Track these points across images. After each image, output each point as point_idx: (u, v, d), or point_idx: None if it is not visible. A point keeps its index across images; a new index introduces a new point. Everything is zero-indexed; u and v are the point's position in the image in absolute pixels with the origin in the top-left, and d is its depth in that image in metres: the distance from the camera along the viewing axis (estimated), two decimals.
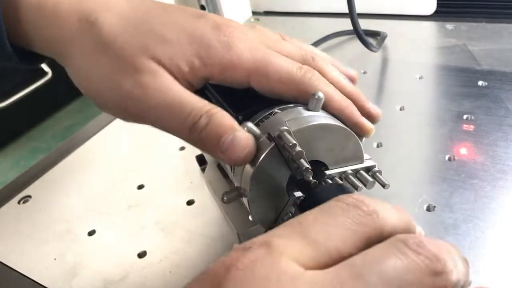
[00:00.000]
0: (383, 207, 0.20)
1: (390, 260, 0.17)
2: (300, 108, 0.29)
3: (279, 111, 0.29)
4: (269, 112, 0.29)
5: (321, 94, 0.29)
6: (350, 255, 0.18)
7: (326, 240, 0.19)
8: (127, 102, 0.29)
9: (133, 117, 0.30)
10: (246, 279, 0.17)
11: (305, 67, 0.31)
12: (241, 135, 0.27)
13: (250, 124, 0.28)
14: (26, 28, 0.30)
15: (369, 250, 0.18)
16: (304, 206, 0.27)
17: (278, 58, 0.30)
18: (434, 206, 0.36)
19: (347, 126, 0.29)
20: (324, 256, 0.18)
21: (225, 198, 0.29)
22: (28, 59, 0.33)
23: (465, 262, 0.19)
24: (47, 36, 0.30)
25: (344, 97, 0.31)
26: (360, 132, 0.31)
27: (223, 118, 0.28)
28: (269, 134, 0.27)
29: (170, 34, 0.29)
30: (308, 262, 0.18)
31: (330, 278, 0.17)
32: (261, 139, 0.28)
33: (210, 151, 0.29)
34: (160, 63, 0.29)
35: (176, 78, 0.29)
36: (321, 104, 0.29)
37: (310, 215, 0.20)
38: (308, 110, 0.29)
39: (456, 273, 0.18)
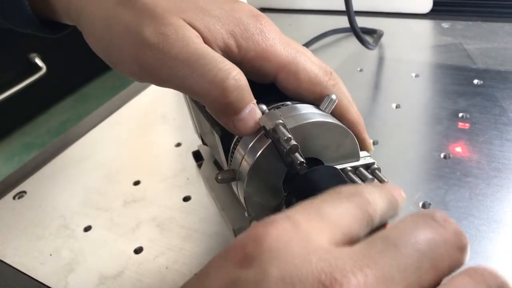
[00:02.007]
0: (369, 191, 0.21)
1: (423, 233, 0.18)
2: (309, 106, 0.29)
3: (290, 103, 0.29)
4: (281, 103, 0.30)
5: (334, 97, 0.29)
6: (358, 236, 0.19)
7: (340, 220, 0.19)
8: (145, 52, 0.27)
9: (150, 71, 0.28)
10: (281, 249, 0.17)
11: (329, 74, 0.31)
12: (257, 109, 0.27)
13: (265, 107, 0.28)
14: None
15: (399, 223, 0.19)
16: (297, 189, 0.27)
17: (308, 59, 0.30)
18: (430, 204, 0.37)
19: None
20: (339, 235, 0.19)
21: (219, 177, 0.29)
22: (49, 28, 0.33)
23: None
24: None
25: (357, 112, 0.32)
26: (362, 149, 0.32)
27: (248, 86, 0.27)
28: (264, 128, 0.27)
29: (208, 7, 0.29)
30: (329, 239, 0.18)
31: (366, 249, 0.17)
32: (257, 136, 0.28)
33: (223, 115, 0.27)
34: (196, 28, 0.27)
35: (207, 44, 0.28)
36: (332, 107, 0.29)
37: (317, 199, 0.21)
38: (319, 109, 0.29)
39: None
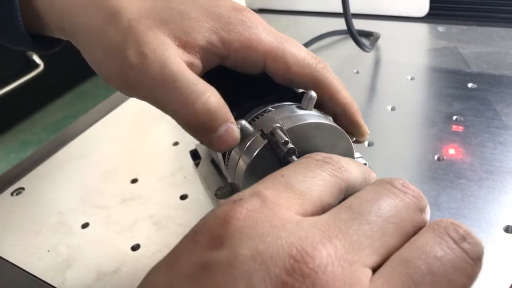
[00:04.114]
0: (347, 162, 0.22)
1: (384, 200, 0.19)
2: (293, 107, 0.30)
3: (272, 109, 0.30)
4: (263, 109, 0.30)
5: (313, 94, 0.29)
6: (329, 204, 0.20)
7: (309, 190, 0.20)
8: (127, 72, 0.28)
9: (132, 89, 0.29)
10: (250, 229, 0.17)
11: (318, 58, 0.31)
12: (234, 127, 0.28)
13: (244, 122, 0.28)
14: (38, 9, 0.30)
15: (361, 193, 0.20)
16: None
17: (294, 45, 0.31)
18: None
19: (347, 124, 0.30)
20: (309, 205, 0.19)
21: (218, 193, 0.30)
22: (41, 44, 0.33)
23: None
24: (60, 12, 0.30)
25: (350, 95, 0.32)
26: (357, 133, 0.32)
27: (223, 107, 0.28)
28: (262, 131, 0.28)
29: (188, 10, 0.29)
30: (298, 211, 0.19)
31: (332, 220, 0.18)
32: (254, 137, 0.28)
33: (196, 134, 0.28)
34: (175, 37, 0.28)
35: (189, 53, 0.28)
36: (313, 103, 0.29)
37: (288, 169, 0.21)
38: (301, 108, 0.29)
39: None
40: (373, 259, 0.17)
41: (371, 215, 0.18)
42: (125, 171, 0.48)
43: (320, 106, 0.31)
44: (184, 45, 0.28)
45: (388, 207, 0.19)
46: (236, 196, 0.19)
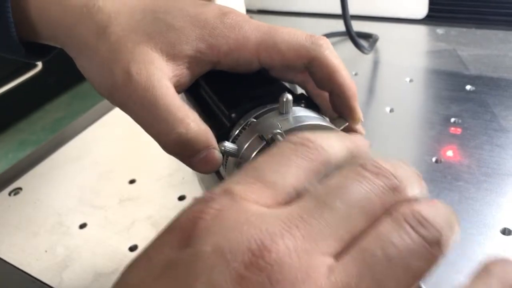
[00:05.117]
0: (327, 140, 0.21)
1: (351, 185, 0.18)
2: (275, 112, 0.29)
3: (254, 119, 0.30)
4: (245, 123, 0.30)
5: (289, 96, 0.28)
6: (305, 189, 0.19)
7: (281, 180, 0.19)
8: (114, 91, 0.28)
9: (119, 106, 0.30)
10: (216, 226, 0.17)
11: (316, 35, 0.30)
12: (215, 152, 0.28)
13: (227, 143, 0.28)
14: (33, 19, 0.30)
15: (329, 180, 0.19)
16: None
17: (285, 29, 0.30)
18: None
19: (341, 106, 0.30)
20: (282, 195, 0.19)
21: None
22: (35, 52, 0.33)
23: (418, 175, 0.21)
24: (53, 24, 0.30)
25: (350, 77, 0.31)
26: (350, 117, 0.31)
27: (203, 132, 0.28)
28: (262, 136, 0.28)
29: (173, 20, 0.29)
30: (270, 202, 0.19)
31: (296, 210, 0.18)
32: (252, 139, 0.28)
33: (176, 157, 0.29)
34: (162, 51, 0.28)
35: (178, 65, 0.29)
36: (290, 105, 0.29)
37: (262, 159, 0.21)
38: (281, 113, 0.29)
39: (411, 187, 0.19)
40: (335, 247, 0.17)
41: (336, 203, 0.18)
42: (123, 171, 0.47)
43: (318, 85, 0.31)
44: (173, 58, 0.29)
45: (355, 191, 0.18)
46: (208, 194, 0.19)
